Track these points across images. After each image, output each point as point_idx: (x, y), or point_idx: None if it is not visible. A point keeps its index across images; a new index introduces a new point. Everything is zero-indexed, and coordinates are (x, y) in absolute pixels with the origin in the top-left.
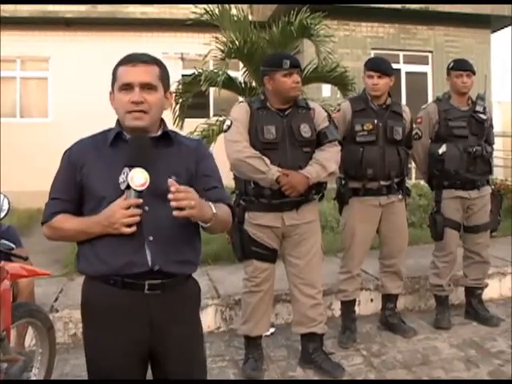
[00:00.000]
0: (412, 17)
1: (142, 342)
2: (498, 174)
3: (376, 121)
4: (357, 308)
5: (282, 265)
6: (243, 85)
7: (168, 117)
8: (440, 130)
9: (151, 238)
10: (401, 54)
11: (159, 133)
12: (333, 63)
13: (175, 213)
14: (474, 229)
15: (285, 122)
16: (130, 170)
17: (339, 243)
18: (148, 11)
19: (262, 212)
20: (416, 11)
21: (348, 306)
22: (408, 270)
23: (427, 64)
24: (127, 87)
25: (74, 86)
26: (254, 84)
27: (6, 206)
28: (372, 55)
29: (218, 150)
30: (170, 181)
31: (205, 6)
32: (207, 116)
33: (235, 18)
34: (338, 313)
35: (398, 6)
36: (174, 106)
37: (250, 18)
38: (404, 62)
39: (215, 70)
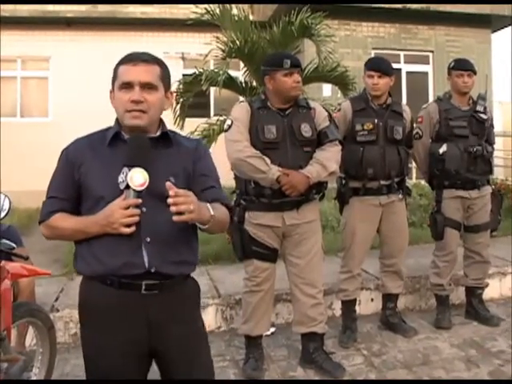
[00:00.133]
0: (413, 16)
1: (140, 342)
2: (499, 173)
3: (376, 120)
4: (357, 308)
5: (282, 264)
6: (244, 84)
7: (169, 116)
8: (441, 129)
9: (148, 240)
10: (401, 53)
11: (158, 133)
12: (333, 63)
13: (175, 218)
14: (475, 228)
15: (285, 122)
16: (130, 170)
17: (340, 243)
18: (148, 11)
19: (262, 212)
20: (417, 11)
21: (348, 305)
22: (408, 269)
23: (428, 64)
24: (127, 86)
25: (75, 86)
26: (254, 84)
27: (6, 206)
28: (373, 55)
29: (219, 150)
30: (169, 184)
31: (205, 5)
32: (208, 116)
33: (236, 18)
34: (338, 312)
35: (399, 5)
36: (174, 105)
37: (250, 17)
38: (405, 62)
39: (216, 70)
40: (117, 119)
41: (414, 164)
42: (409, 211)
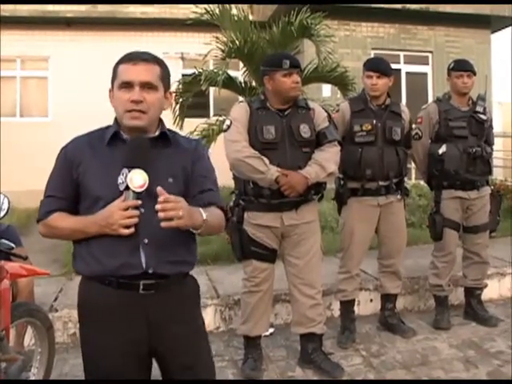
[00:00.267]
0: (412, 17)
1: (139, 342)
2: (498, 174)
3: (375, 121)
4: (356, 308)
5: (281, 265)
6: (243, 85)
7: (168, 116)
8: (440, 130)
9: (146, 241)
10: (401, 54)
11: (157, 133)
12: (333, 63)
13: (163, 224)
14: (474, 229)
15: (284, 122)
16: (129, 171)
17: (339, 243)
18: (148, 11)
19: (261, 212)
20: (416, 11)
21: (347, 306)
22: (407, 270)
23: (427, 64)
24: (127, 85)
25: (74, 86)
26: (254, 84)
27: (5, 206)
28: (372, 55)
29: (218, 150)
30: (159, 189)
31: (205, 5)
32: (207, 116)
33: (235, 18)
34: (337, 313)
35: (399, 6)
36: (174, 105)
37: (250, 17)
38: (404, 63)
39: (215, 70)
40: (115, 118)
41: (413, 164)
42: (408, 212)
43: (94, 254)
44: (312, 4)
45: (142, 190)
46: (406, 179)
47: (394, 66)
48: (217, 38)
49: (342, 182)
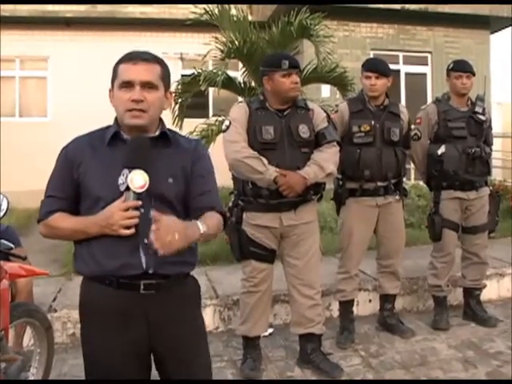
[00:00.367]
0: (411, 17)
1: (140, 342)
2: (497, 174)
3: (373, 122)
4: (355, 308)
5: (280, 265)
6: (242, 85)
7: (167, 117)
8: (439, 130)
9: (146, 241)
10: (400, 54)
11: (157, 133)
12: (332, 63)
13: (161, 253)
14: (473, 230)
15: (283, 123)
16: (130, 172)
17: (338, 244)
18: (147, 11)
19: (260, 212)
20: (415, 12)
21: (346, 306)
22: (406, 270)
23: (426, 65)
24: (128, 85)
25: (74, 86)
26: (253, 84)
27: (4, 206)
28: (371, 56)
29: (217, 150)
30: (154, 214)
31: (204, 5)
32: (206, 116)
33: (235, 18)
34: (336, 313)
35: (398, 6)
36: (173, 105)
37: (249, 18)
38: (403, 63)
39: (214, 70)
40: (116, 118)
41: (412, 165)
42: (407, 212)
43: (94, 254)
44: (311, 4)
45: (143, 190)
46: (404, 180)
47: (393, 67)
48: (216, 38)
49: (340, 183)
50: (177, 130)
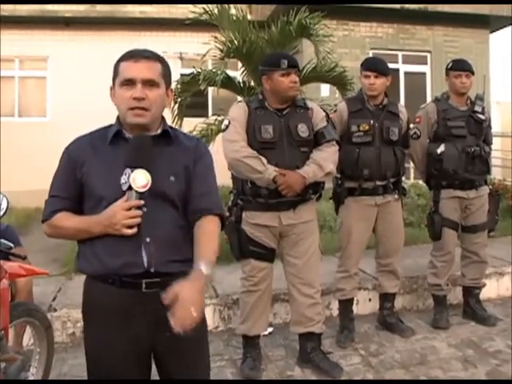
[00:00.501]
0: (411, 17)
1: (141, 341)
2: (496, 174)
3: (372, 121)
4: (355, 307)
5: (280, 264)
6: (242, 84)
7: (167, 116)
8: (439, 129)
9: (148, 240)
10: (399, 53)
11: (159, 131)
12: (332, 63)
13: (182, 332)
14: (472, 229)
15: (282, 122)
16: (132, 171)
17: (337, 243)
18: (147, 10)
19: (259, 211)
20: (415, 11)
21: (346, 305)
22: (406, 269)
23: (426, 64)
24: (129, 83)
25: (73, 86)
26: (252, 83)
27: (4, 205)
28: (371, 55)
29: (217, 150)
30: (168, 297)
31: (204, 5)
32: (206, 115)
33: (234, 18)
34: (336, 312)
35: (397, 5)
36: (172, 105)
37: (248, 17)
38: (403, 62)
39: (214, 70)
40: (118, 117)
41: (411, 164)
42: (407, 211)
43: (97, 253)
44: (311, 4)
45: (145, 190)
46: (404, 179)
47: (392, 66)
48: (215, 37)
49: (339, 182)
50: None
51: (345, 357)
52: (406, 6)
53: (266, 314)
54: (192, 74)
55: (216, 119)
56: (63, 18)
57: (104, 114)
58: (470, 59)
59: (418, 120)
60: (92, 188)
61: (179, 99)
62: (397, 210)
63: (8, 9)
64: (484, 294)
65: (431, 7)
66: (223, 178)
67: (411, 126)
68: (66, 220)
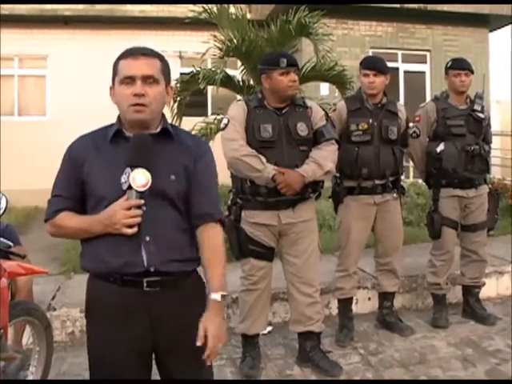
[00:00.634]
0: (410, 16)
1: (143, 339)
2: (496, 172)
3: (371, 120)
4: (354, 306)
5: (279, 263)
6: (241, 83)
7: (166, 115)
8: (438, 128)
9: (148, 239)
10: (399, 52)
11: (159, 129)
12: (331, 62)
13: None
14: (472, 227)
15: (281, 121)
16: (132, 171)
17: (336, 242)
18: (146, 9)
19: (258, 210)
20: (414, 10)
21: (345, 304)
22: (406, 268)
23: (425, 63)
24: (129, 80)
25: (72, 84)
26: (251, 82)
27: (3, 205)
28: (370, 54)
29: (216, 149)
30: (201, 335)
31: (203, 4)
32: (205, 114)
33: (233, 17)
34: (335, 311)
35: (397, 4)
36: (172, 104)
37: (248, 16)
38: (402, 61)
39: (213, 69)
40: (118, 116)
41: (411, 163)
42: (406, 210)
43: (98, 252)
44: (310, 3)
45: (145, 189)
46: (403, 178)
47: (391, 65)
48: (215, 36)
49: (338, 181)
50: None
51: (344, 356)
52: (406, 4)
53: (266, 313)
54: (191, 72)
55: (215, 118)
56: (62, 17)
57: (104, 113)
58: (470, 58)
59: (417, 119)
60: (93, 187)
61: (178, 98)
62: (396, 209)
63: (7, 7)
64: (483, 293)
65: (431, 6)
66: (222, 176)
67: (411, 124)
68: (68, 219)
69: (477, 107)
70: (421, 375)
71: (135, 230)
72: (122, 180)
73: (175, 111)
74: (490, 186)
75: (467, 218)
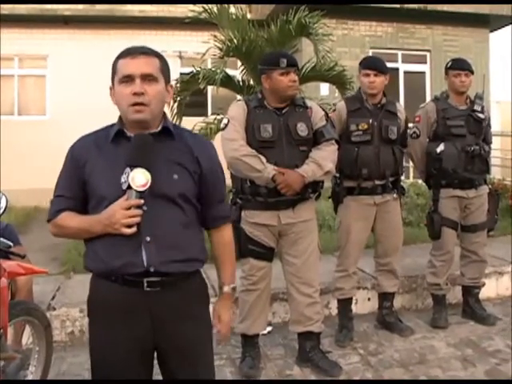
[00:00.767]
0: (410, 16)
1: (144, 339)
2: (496, 173)
3: (371, 120)
4: (354, 307)
5: (279, 263)
6: (241, 83)
7: (166, 115)
8: (438, 128)
9: (148, 239)
10: (399, 53)
11: (160, 128)
12: (331, 62)
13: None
14: (472, 228)
15: (281, 121)
16: (132, 170)
17: (336, 242)
18: (146, 9)
19: (258, 210)
20: (414, 10)
21: (345, 304)
22: (405, 269)
23: (425, 63)
24: (128, 79)
25: (72, 84)
26: (252, 82)
27: (3, 204)
28: (370, 54)
29: (216, 149)
30: (219, 329)
31: (203, 4)
32: (205, 114)
33: (234, 17)
34: (335, 311)
35: (397, 5)
36: (172, 104)
37: (248, 16)
38: (402, 61)
39: (213, 69)
40: (120, 116)
41: (410, 163)
42: (406, 210)
43: (98, 252)
44: (310, 3)
45: (145, 189)
46: (403, 178)
47: (391, 65)
48: (215, 36)
49: (338, 181)
50: None
51: (344, 356)
52: (406, 5)
53: (265, 313)
54: (191, 72)
55: (215, 118)
56: (62, 17)
57: (104, 113)
58: (470, 58)
59: (417, 119)
60: (94, 187)
61: (178, 98)
62: (396, 210)
63: (7, 7)
64: (483, 294)
65: (431, 6)
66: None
67: (411, 125)
68: (70, 219)
69: (477, 107)
70: (420, 375)
71: (134, 229)
72: (122, 180)
73: (175, 111)
74: (490, 186)
75: (467, 219)
